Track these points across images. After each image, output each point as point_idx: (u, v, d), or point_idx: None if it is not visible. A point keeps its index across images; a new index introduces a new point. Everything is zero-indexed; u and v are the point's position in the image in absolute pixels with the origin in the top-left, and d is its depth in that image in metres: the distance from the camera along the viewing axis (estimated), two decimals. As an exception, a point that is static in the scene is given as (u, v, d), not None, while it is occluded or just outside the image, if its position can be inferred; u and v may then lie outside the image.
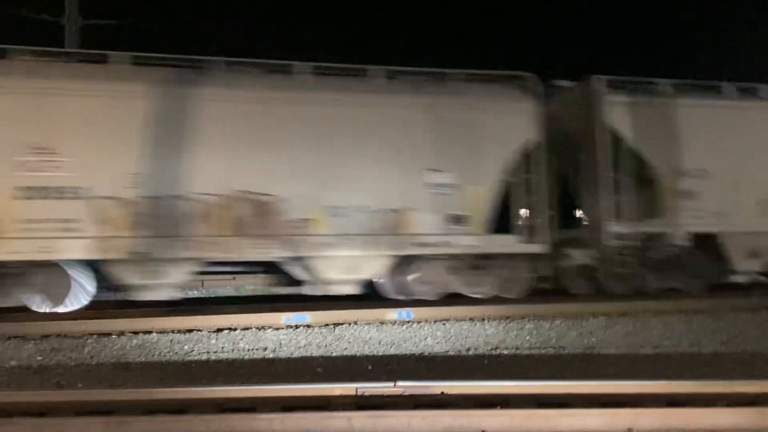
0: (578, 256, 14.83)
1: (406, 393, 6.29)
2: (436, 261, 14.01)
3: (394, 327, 11.32)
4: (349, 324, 11.48)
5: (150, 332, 10.83)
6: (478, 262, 14.24)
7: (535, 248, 14.18)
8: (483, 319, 11.95)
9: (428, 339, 10.34)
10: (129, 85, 12.64)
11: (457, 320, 11.87)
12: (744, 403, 5.93)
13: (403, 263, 13.92)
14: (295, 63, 13.67)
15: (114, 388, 7.02)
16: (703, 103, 15.44)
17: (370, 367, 8.47)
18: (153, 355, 9.33)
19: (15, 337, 10.38)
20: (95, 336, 10.56)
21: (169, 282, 12.84)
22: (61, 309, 12.40)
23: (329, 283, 13.50)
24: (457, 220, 13.81)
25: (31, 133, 12.06)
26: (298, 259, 13.41)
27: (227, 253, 12.99)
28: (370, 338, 10.42)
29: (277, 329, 11.12)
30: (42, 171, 12.08)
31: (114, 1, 24.52)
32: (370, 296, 14.06)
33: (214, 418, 5.51)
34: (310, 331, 10.98)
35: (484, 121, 14.01)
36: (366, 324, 11.52)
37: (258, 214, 13.00)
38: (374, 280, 14.22)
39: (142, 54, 13.07)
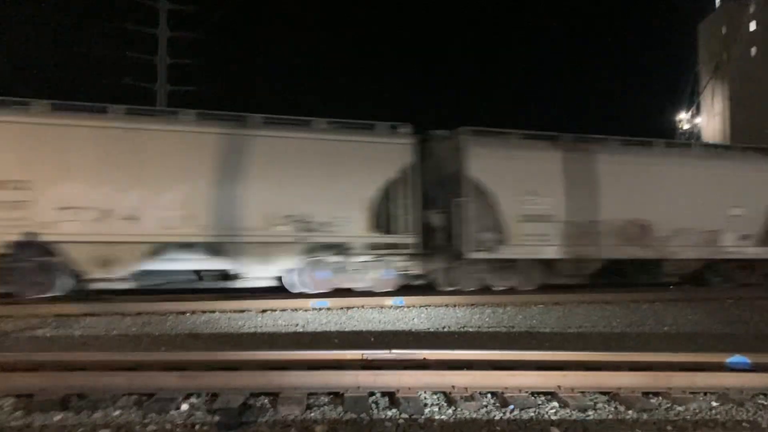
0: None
1: (398, 358, 6.32)
2: None
3: (391, 310, 11.32)
4: (358, 308, 11.48)
5: (214, 311, 10.85)
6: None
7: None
8: (455, 305, 11.95)
9: (415, 319, 10.32)
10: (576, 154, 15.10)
11: (435, 306, 11.88)
12: (641, 369, 5.96)
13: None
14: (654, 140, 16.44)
15: (187, 351, 7.05)
16: None
17: (372, 339, 8.46)
18: (216, 328, 9.33)
19: (116, 314, 10.42)
20: (174, 314, 10.58)
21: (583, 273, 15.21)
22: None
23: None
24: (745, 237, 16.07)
25: (529, 184, 14.43)
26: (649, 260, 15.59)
27: (623, 255, 15.16)
28: (373, 318, 10.41)
29: (306, 311, 11.13)
30: (531, 205, 14.50)
31: (192, 73, 24.51)
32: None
33: (259, 374, 5.50)
34: (329, 312, 10.97)
35: None
36: (370, 308, 11.52)
37: (641, 231, 15.26)
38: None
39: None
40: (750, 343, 8.57)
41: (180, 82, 24.42)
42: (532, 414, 5.04)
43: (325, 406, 5.07)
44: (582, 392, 5.48)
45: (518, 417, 4.97)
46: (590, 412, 5.09)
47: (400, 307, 11.74)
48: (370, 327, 9.54)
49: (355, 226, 13.48)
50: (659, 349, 7.79)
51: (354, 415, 4.88)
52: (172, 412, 4.88)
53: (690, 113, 43.99)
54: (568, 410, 5.12)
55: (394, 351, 6.46)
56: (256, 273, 13.27)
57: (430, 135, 14.80)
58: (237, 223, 12.74)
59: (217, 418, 4.77)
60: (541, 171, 14.69)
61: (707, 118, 47.09)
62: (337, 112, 14.24)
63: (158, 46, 24.24)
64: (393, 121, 14.12)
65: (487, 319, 10.42)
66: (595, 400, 5.36)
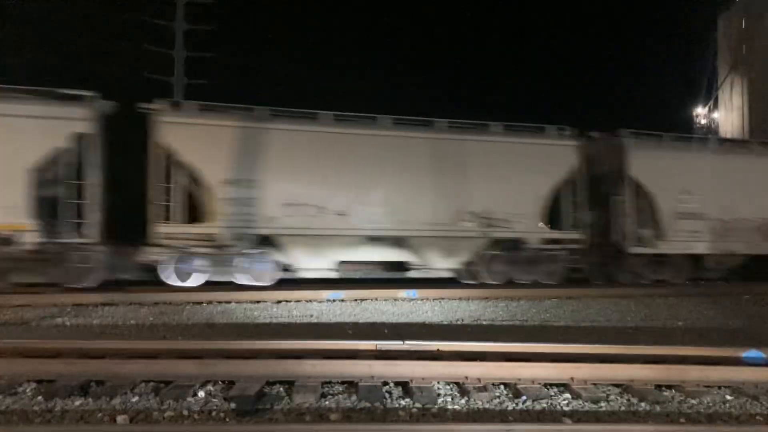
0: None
1: (411, 349, 6.37)
2: None
3: (404, 302, 11.37)
4: (372, 300, 11.54)
5: (230, 302, 10.96)
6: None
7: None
8: (468, 299, 11.97)
9: (428, 312, 10.36)
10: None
11: (449, 299, 11.91)
12: (654, 362, 5.96)
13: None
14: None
15: (204, 340, 7.13)
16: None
17: (386, 331, 8.50)
18: (231, 319, 9.42)
19: (134, 303, 10.55)
20: (191, 304, 10.70)
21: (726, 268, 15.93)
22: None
23: None
24: None
25: (683, 183, 15.25)
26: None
27: (764, 251, 15.95)
28: (386, 310, 10.46)
29: (320, 302, 11.21)
30: (685, 203, 15.36)
31: (209, 66, 24.56)
32: (388, 280, 14.08)
33: (275, 363, 5.56)
34: (344, 304, 11.04)
35: None
36: (384, 300, 11.58)
37: None
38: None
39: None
40: (766, 338, 8.51)
41: (197, 75, 24.52)
42: (545, 405, 5.06)
43: (340, 395, 5.13)
44: (595, 384, 5.50)
45: (531, 408, 5.00)
46: (602, 404, 5.11)
47: (414, 299, 11.77)
48: (383, 318, 9.58)
49: (529, 222, 14.47)
50: (673, 343, 7.77)
51: (368, 404, 4.93)
52: (189, 399, 4.95)
53: (708, 108, 43.55)
54: (580, 401, 5.14)
55: (407, 342, 6.50)
56: (439, 264, 14.11)
57: (590, 137, 15.54)
58: (428, 219, 13.87)
59: (233, 405, 4.84)
60: (693, 171, 15.62)
61: (725, 113, 46.60)
62: (351, 104, 14.37)
63: (175, 39, 24.36)
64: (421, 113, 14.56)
65: (501, 313, 10.43)
66: (608, 392, 5.37)
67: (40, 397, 4.93)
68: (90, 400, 4.92)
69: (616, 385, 5.52)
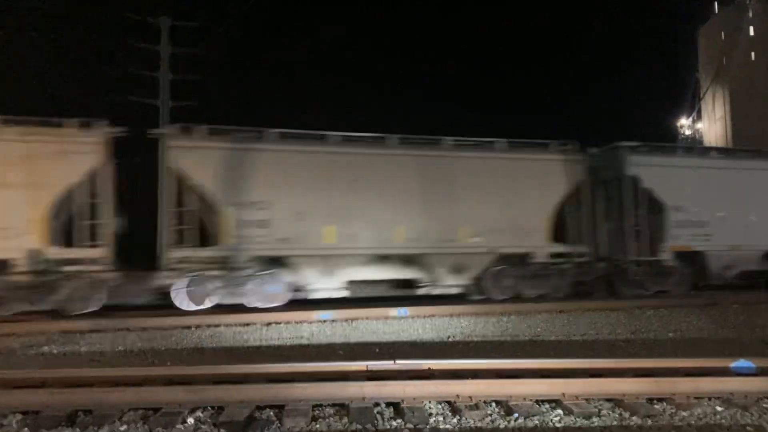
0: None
1: (403, 368, 6.34)
2: None
3: (395, 321, 11.34)
4: (362, 319, 11.50)
5: (219, 326, 10.89)
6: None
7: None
8: (459, 315, 11.96)
9: (419, 330, 10.34)
10: None
11: (441, 316, 11.89)
12: (644, 375, 5.97)
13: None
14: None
15: (193, 365, 7.07)
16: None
17: (377, 350, 8.46)
18: (221, 342, 9.36)
19: (121, 329, 10.46)
20: (179, 328, 10.62)
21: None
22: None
23: None
24: None
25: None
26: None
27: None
28: (377, 329, 10.43)
29: (311, 323, 11.15)
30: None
31: (195, 88, 24.46)
32: (377, 299, 14.04)
33: (265, 387, 5.52)
34: (334, 324, 11.00)
35: None
36: (374, 319, 11.54)
37: None
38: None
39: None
40: (755, 347, 8.55)
41: (183, 97, 24.48)
42: (537, 422, 5.04)
43: (331, 418, 5.09)
44: (587, 399, 5.49)
45: (523, 425, 4.98)
46: (595, 419, 5.10)
47: (405, 317, 11.75)
48: (374, 338, 9.55)
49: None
50: (664, 355, 7.79)
51: (359, 426, 4.89)
52: (178, 426, 4.90)
53: (692, 118, 44.02)
54: (572, 417, 5.13)
55: (398, 361, 6.47)
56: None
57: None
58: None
59: (223, 431, 4.79)
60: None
61: (708, 123, 47.09)
62: (344, 123, 14.52)
63: (160, 61, 24.35)
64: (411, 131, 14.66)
65: (492, 329, 10.42)
66: (599, 407, 5.36)
67: (26, 429, 4.86)
68: (77, 430, 4.85)
69: (608, 400, 5.51)
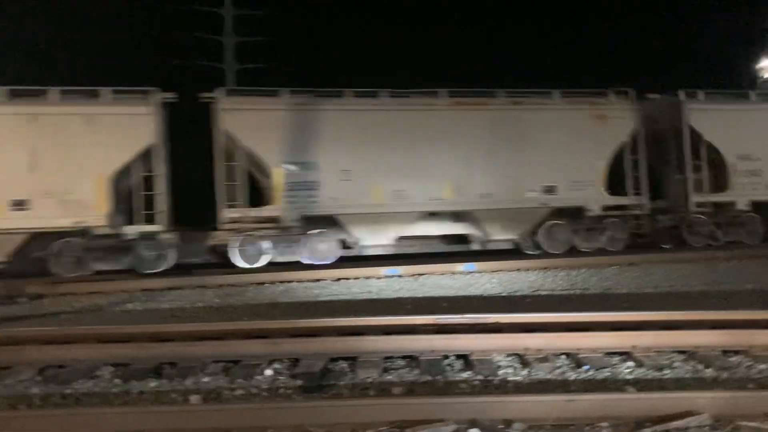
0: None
1: (471, 322, 6.40)
2: None
3: (463, 276, 11.39)
4: (429, 274, 11.60)
5: (291, 282, 11.20)
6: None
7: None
8: (527, 270, 11.90)
9: (487, 285, 10.36)
10: None
11: (508, 271, 11.86)
12: (719, 327, 5.83)
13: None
14: None
15: (268, 320, 7.32)
16: None
17: (445, 305, 8.55)
18: (294, 298, 9.64)
19: (200, 287, 10.90)
20: (254, 285, 10.98)
21: None
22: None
23: None
24: None
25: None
26: None
27: None
28: (445, 284, 10.51)
29: (378, 278, 11.33)
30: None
31: (262, 49, 24.56)
32: (445, 254, 14.10)
33: (336, 340, 5.70)
34: (401, 280, 11.14)
35: None
36: (441, 274, 11.61)
37: None
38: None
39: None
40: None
41: (248, 60, 24.71)
42: (608, 374, 5.04)
43: (402, 369, 5.22)
44: (658, 352, 5.42)
45: (593, 377, 4.98)
46: (667, 371, 5.05)
47: (472, 272, 11.77)
48: (442, 293, 9.64)
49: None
50: (741, 307, 7.57)
51: (429, 377, 5.01)
52: (258, 377, 5.13)
53: (774, 60, 41.47)
54: (644, 369, 5.09)
55: (466, 315, 6.54)
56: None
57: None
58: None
59: (299, 381, 5.00)
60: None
61: (792, 65, 44.23)
62: (403, 82, 14.46)
63: (224, 24, 24.63)
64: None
65: (560, 282, 10.36)
66: (672, 360, 5.30)
67: (117, 380, 5.19)
68: (164, 381, 5.14)
69: (681, 352, 5.43)
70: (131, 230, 12.75)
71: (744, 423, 3.74)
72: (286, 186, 13.11)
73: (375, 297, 9.45)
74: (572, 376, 5.02)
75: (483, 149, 13.99)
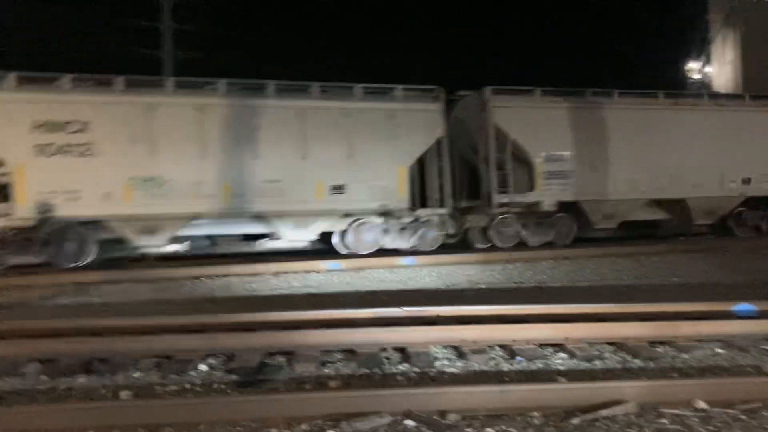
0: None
1: (410, 315, 6.45)
2: None
3: (403, 270, 11.45)
4: (371, 269, 11.61)
5: (228, 276, 11.03)
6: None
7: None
8: (466, 264, 12.06)
9: (426, 278, 10.45)
10: None
11: (447, 264, 11.99)
12: (647, 319, 6.04)
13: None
14: None
15: (205, 314, 7.19)
16: None
17: (385, 298, 8.58)
18: (232, 292, 9.50)
19: (133, 281, 10.62)
20: (191, 279, 10.76)
21: None
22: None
23: None
24: None
25: None
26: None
27: None
28: (385, 278, 10.55)
29: (318, 272, 11.28)
30: None
31: (202, 39, 24.06)
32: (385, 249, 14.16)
33: (277, 334, 5.66)
34: (343, 274, 11.12)
35: None
36: (382, 268, 11.65)
37: None
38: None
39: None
40: (760, 291, 8.59)
41: (187, 48, 24.16)
42: (540, 365, 5.15)
43: (339, 363, 5.21)
44: (589, 343, 5.57)
45: (526, 368, 5.08)
46: (597, 362, 5.20)
47: (412, 266, 11.84)
48: (382, 287, 9.66)
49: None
50: (668, 300, 7.85)
51: (367, 370, 5.01)
52: (191, 373, 5.03)
53: (701, 63, 43.15)
54: (575, 360, 5.23)
55: (406, 308, 6.58)
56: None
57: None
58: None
59: (234, 376, 4.92)
60: None
61: (718, 67, 46.21)
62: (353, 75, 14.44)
63: (162, 12, 24.02)
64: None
65: (498, 276, 10.53)
66: (602, 350, 5.46)
67: (44, 377, 5.00)
68: (94, 377, 4.98)
69: (611, 344, 5.60)
70: (425, 213, 14.31)
71: (667, 410, 3.89)
72: (544, 175, 14.61)
73: (315, 291, 9.38)
74: (506, 366, 5.11)
75: (699, 143, 15.72)
